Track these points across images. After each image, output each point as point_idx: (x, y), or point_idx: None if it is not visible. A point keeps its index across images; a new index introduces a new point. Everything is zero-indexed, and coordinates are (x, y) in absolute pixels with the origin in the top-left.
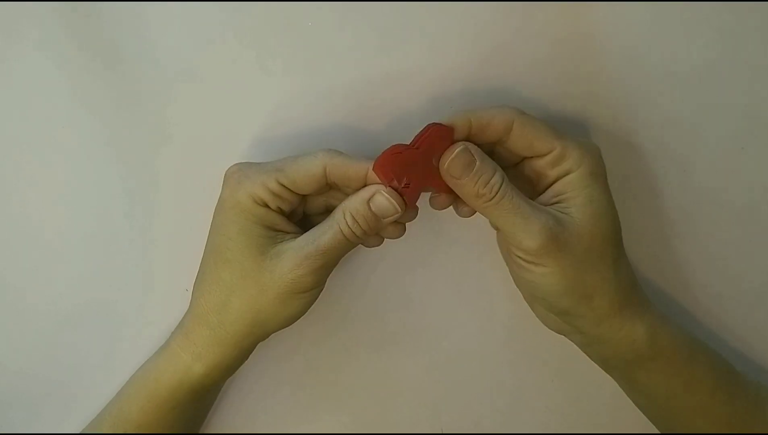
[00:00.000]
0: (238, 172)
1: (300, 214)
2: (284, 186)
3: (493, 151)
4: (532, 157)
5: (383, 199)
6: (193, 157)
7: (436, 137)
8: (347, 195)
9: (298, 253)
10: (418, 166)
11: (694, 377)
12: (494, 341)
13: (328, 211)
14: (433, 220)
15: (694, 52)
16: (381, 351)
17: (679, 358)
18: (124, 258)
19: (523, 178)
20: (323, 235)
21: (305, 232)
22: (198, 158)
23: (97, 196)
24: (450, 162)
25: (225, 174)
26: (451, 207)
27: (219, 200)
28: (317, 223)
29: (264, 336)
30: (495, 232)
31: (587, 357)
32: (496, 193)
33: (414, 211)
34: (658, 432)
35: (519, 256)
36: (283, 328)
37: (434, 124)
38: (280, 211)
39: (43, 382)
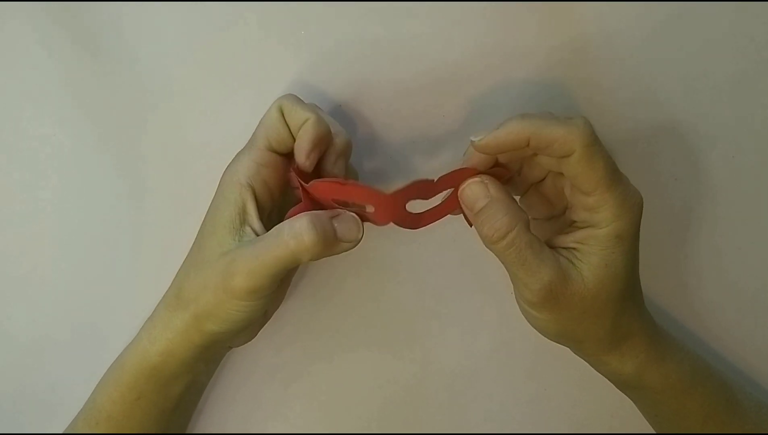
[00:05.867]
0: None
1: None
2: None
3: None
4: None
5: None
6: (187, 161)
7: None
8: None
9: None
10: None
11: (685, 408)
12: (490, 341)
13: None
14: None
15: (690, 56)
16: (374, 349)
17: (669, 392)
18: (112, 268)
19: (550, 188)
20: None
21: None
22: (193, 162)
23: (86, 201)
24: (463, 190)
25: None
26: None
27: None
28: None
29: (214, 339)
30: None
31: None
32: (503, 238)
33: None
34: (654, 432)
35: (518, 296)
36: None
37: (463, 169)
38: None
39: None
